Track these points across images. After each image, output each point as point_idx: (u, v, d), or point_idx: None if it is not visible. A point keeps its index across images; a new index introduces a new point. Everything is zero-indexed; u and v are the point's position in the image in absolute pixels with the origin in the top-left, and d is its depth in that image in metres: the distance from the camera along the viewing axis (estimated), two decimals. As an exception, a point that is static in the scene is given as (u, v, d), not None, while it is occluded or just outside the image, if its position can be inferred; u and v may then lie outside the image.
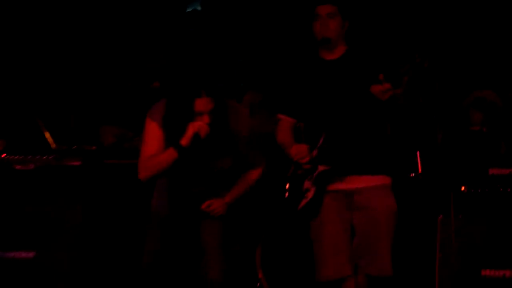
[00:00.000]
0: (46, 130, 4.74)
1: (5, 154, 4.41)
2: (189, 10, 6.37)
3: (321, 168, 3.27)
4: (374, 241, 3.29)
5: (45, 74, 5.96)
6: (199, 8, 6.30)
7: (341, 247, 3.33)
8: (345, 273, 3.29)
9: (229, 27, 6.35)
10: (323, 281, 3.38)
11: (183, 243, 3.44)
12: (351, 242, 3.33)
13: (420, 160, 4.37)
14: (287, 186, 3.49)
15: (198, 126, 3.17)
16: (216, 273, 3.36)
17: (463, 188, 3.84)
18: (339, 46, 3.28)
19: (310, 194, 3.34)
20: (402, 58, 3.46)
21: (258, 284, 4.26)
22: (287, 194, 3.50)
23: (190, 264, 3.50)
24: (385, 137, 3.38)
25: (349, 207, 3.33)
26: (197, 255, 3.45)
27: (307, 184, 3.33)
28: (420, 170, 4.36)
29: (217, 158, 3.31)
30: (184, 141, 3.16)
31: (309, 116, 3.47)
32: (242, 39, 6.35)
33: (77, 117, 5.76)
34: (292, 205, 3.44)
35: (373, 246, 3.31)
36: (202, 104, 3.22)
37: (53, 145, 4.67)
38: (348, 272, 3.30)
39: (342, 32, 3.29)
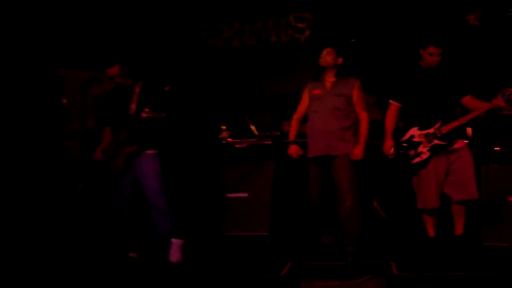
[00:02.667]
0: (252, 124, 6.42)
1: (230, 139, 6.27)
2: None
3: (436, 141, 4.86)
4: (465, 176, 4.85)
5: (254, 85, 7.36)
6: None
7: (439, 189, 4.95)
8: (438, 205, 4.96)
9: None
10: (427, 209, 4.93)
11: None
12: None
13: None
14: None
15: None
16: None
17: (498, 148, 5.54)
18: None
19: (424, 156, 4.87)
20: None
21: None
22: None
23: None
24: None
25: (446, 160, 4.88)
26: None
27: (421, 149, 4.88)
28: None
29: None
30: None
31: (418, 104, 4.92)
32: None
33: (269, 116, 7.00)
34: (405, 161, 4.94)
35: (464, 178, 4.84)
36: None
37: (256, 132, 6.33)
38: (439, 204, 4.94)
39: (440, 58, 4.93)
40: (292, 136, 5.30)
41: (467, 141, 5.01)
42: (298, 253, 5.32)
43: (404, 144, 5.00)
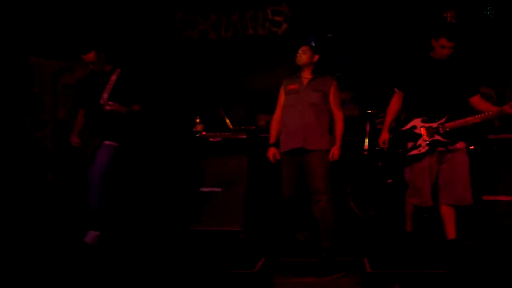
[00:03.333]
0: (226, 117, 6.44)
1: (204, 133, 6.19)
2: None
3: (437, 137, 4.70)
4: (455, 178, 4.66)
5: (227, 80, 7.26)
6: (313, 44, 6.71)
7: (430, 187, 4.74)
8: (431, 203, 4.75)
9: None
10: (422, 206, 4.80)
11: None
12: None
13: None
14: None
15: None
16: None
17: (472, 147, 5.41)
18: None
19: (422, 149, 4.72)
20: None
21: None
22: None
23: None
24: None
25: (440, 158, 4.73)
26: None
27: (421, 141, 4.73)
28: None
29: None
30: None
31: (424, 95, 4.73)
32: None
33: (244, 109, 6.98)
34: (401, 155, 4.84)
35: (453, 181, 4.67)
36: None
37: (231, 126, 6.31)
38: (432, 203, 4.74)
39: (451, 52, 4.73)
40: (272, 138, 5.26)
41: (465, 144, 4.83)
42: (272, 249, 5.31)
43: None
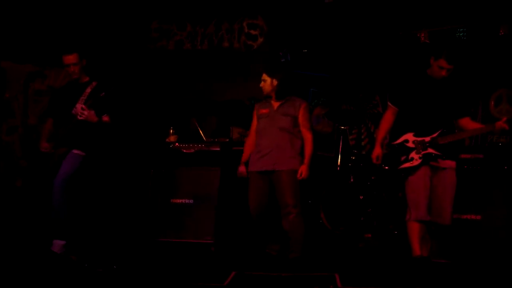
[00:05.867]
0: (200, 129, 6.34)
1: (177, 144, 6.18)
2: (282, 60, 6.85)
3: (430, 150, 4.68)
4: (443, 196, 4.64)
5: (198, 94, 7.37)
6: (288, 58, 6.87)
7: (427, 200, 4.67)
8: (428, 218, 4.65)
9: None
10: (417, 220, 4.63)
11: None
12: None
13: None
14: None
15: None
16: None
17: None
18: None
19: (415, 162, 4.68)
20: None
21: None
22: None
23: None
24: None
25: (433, 175, 4.69)
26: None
27: (413, 155, 4.70)
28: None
29: None
30: None
31: (418, 111, 4.69)
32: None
33: (218, 121, 7.06)
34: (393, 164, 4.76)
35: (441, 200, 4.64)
36: None
37: (204, 138, 6.24)
38: (429, 217, 4.65)
39: (448, 73, 4.66)
40: (244, 158, 5.37)
41: (455, 163, 4.81)
42: (242, 263, 5.29)
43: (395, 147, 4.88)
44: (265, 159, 5.18)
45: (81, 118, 5.06)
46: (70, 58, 5.16)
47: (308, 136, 5.22)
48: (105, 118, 5.22)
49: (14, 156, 6.50)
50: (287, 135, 5.21)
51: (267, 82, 5.26)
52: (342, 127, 6.63)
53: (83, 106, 5.05)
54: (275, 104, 5.33)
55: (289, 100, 5.29)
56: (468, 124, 4.85)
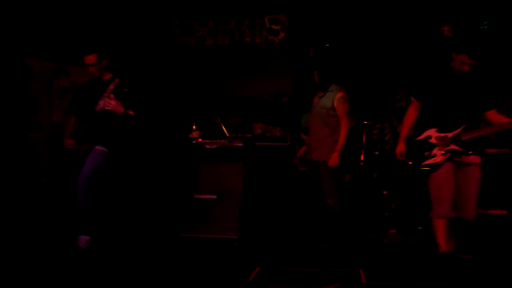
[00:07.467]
0: (223, 125, 6.23)
1: (200, 139, 6.15)
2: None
3: (453, 146, 4.60)
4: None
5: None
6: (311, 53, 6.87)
7: (452, 196, 4.62)
8: (452, 214, 4.60)
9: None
10: (440, 218, 4.58)
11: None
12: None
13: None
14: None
15: None
16: None
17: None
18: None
19: (437, 159, 4.61)
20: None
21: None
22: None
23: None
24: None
25: (457, 171, 4.62)
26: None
27: (436, 151, 4.63)
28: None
29: None
30: None
31: (441, 106, 4.62)
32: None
33: (240, 117, 7.07)
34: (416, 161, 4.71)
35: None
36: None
37: (227, 134, 6.17)
38: (453, 214, 4.58)
39: (471, 68, 4.60)
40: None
41: (480, 158, 4.72)
42: (267, 258, 5.28)
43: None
44: (311, 150, 5.67)
45: (108, 108, 5.07)
46: (89, 59, 5.19)
47: (342, 124, 5.45)
48: (130, 112, 5.23)
49: (38, 153, 6.53)
50: (323, 126, 5.50)
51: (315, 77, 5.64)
52: (365, 122, 6.63)
53: (110, 95, 5.05)
54: (319, 95, 5.65)
55: (328, 91, 5.53)
56: (495, 117, 4.74)
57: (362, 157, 6.47)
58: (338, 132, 5.42)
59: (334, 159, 5.33)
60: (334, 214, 5.37)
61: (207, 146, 6.12)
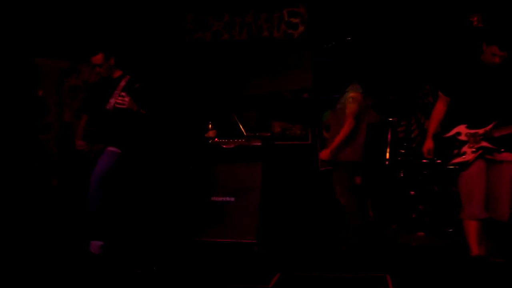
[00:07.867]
0: (240, 124, 6.18)
1: (216, 139, 6.04)
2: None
3: (484, 143, 4.47)
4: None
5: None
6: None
7: (484, 196, 4.51)
8: (484, 215, 4.47)
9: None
10: (469, 218, 4.46)
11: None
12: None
13: None
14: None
15: None
16: None
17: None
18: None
19: (467, 157, 4.48)
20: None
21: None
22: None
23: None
24: None
25: (489, 169, 4.47)
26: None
27: (465, 149, 4.51)
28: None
29: None
30: None
31: (472, 100, 4.49)
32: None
33: (258, 115, 6.94)
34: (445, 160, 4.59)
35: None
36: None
37: (245, 133, 6.10)
38: (485, 215, 4.45)
39: (502, 60, 4.44)
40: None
41: None
42: (288, 263, 5.14)
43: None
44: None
45: (121, 106, 4.98)
46: (96, 59, 5.16)
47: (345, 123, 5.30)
48: (142, 110, 5.16)
49: (49, 154, 6.39)
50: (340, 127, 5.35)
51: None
52: (390, 119, 6.44)
53: (122, 93, 4.98)
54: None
55: (344, 93, 5.44)
56: None
57: (387, 156, 6.27)
58: (357, 131, 5.31)
59: (324, 154, 5.28)
60: (347, 215, 5.25)
61: (224, 146, 5.99)
